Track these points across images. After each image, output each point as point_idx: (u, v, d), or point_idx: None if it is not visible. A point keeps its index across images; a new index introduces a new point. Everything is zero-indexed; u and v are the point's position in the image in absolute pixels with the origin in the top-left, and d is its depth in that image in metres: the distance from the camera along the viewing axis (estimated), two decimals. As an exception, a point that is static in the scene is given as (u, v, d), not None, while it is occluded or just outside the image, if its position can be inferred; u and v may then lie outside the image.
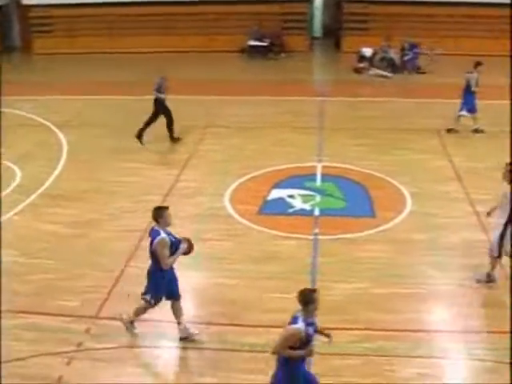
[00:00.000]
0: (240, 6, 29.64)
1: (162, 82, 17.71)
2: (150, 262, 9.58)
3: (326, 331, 7.93)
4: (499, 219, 11.03)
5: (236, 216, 13.67)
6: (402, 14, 29.10)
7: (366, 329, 9.99)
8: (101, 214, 13.88)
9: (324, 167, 16.05)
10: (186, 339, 9.79)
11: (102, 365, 9.31)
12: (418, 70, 26.51)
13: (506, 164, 11.04)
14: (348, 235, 12.84)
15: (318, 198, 14.50)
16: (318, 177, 15.58)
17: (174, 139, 18.03)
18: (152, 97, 17.63)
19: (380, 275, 11.48)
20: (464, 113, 18.68)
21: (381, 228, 13.12)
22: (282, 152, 17.11)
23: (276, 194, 14.68)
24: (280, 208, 14.07)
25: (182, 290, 9.94)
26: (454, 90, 22.26)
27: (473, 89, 18.44)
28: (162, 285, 9.59)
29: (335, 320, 10.08)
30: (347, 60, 27.67)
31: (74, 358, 9.42)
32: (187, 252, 9.60)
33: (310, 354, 7.57)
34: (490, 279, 11.29)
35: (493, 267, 11.27)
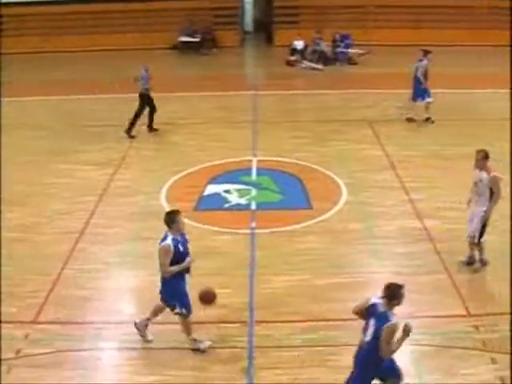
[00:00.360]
0: (171, 2, 29.42)
1: (145, 74, 17.89)
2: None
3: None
4: (477, 207, 11.18)
5: (173, 213, 13.53)
6: (334, 6, 29.34)
7: (307, 320, 10.03)
8: (39, 217, 13.58)
9: (259, 161, 16.05)
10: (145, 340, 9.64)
11: (41, 371, 9.11)
12: (350, 62, 26.76)
13: (477, 152, 11.22)
14: (285, 228, 12.86)
15: (253, 192, 14.49)
16: (254, 171, 15.58)
17: (152, 129, 18.31)
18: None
19: (319, 266, 11.54)
20: (429, 99, 18.87)
21: (318, 219, 13.18)
22: (218, 147, 17.05)
23: (212, 189, 14.62)
24: (216, 203, 14.02)
25: (122, 291, 9.84)
26: (385, 80, 22.73)
27: (418, 75, 18.71)
28: (180, 289, 9.27)
29: (276, 313, 10.13)
30: (279, 53, 27.77)
31: (14, 366, 9.20)
32: (187, 269, 9.24)
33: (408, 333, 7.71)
34: (470, 260, 11.54)
35: (482, 253, 11.48)
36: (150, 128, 18.39)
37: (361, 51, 26.73)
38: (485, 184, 10.99)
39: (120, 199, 14.23)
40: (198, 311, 10.08)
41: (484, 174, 11.01)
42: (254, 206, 13.91)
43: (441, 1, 29.19)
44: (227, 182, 14.89)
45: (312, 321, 10.02)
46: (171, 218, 9.14)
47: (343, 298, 10.55)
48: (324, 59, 26.61)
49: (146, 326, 9.68)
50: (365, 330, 7.88)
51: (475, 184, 11.16)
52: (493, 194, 10.96)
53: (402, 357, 9.42)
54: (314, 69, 26.00)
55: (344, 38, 27.30)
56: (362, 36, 28.07)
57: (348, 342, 9.41)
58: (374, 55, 26.32)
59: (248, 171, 15.52)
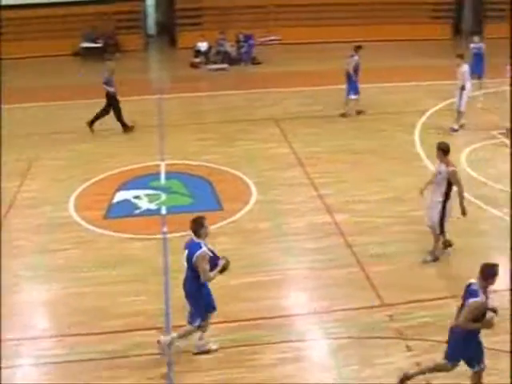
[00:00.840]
0: (71, 7, 28.72)
1: (109, 75, 18.00)
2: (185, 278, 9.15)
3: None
4: (436, 198, 11.40)
5: (82, 223, 13.22)
6: (236, 7, 29.41)
7: (224, 321, 9.94)
8: None
9: (168, 165, 15.89)
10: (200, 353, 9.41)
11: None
12: (254, 61, 26.87)
13: (438, 144, 11.51)
14: (199, 230, 12.75)
15: (163, 197, 14.31)
16: (162, 175, 15.40)
17: (127, 128, 18.28)
18: None
19: (233, 266, 11.30)
20: (352, 96, 19.18)
21: (229, 220, 13.14)
22: (125, 153, 16.78)
23: (121, 196, 14.36)
24: (126, 210, 13.79)
25: (33, 305, 9.54)
26: (289, 78, 22.93)
27: (350, 72, 18.99)
28: (205, 300, 9.12)
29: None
30: (183, 56, 27.63)
31: None
32: (224, 269, 9.11)
33: (490, 325, 7.80)
34: (435, 258, 11.70)
35: (436, 242, 11.72)
36: (126, 128, 18.36)
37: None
38: (443, 176, 11.25)
39: (27, 211, 13.78)
40: (108, 321, 9.97)
41: (443, 167, 11.29)
42: (164, 211, 13.74)
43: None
44: (136, 188, 14.66)
45: (230, 322, 9.97)
46: (201, 224, 8.90)
47: (259, 296, 10.58)
48: (228, 60, 26.65)
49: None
50: (460, 308, 8.08)
51: (435, 175, 11.48)
52: (450, 186, 11.23)
53: (319, 350, 9.59)
54: (219, 69, 25.99)
55: (247, 38, 27.41)
56: (265, 35, 28.30)
57: (269, 341, 9.48)
58: (279, 55, 26.60)
59: (157, 176, 15.32)
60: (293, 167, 15.68)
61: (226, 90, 22.67)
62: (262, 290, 10.76)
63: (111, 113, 18.30)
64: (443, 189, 11.29)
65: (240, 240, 12.43)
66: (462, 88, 17.92)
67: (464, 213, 11.32)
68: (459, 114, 18.20)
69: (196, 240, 8.89)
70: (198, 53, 27.00)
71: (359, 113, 19.41)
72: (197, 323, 9.14)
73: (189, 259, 8.88)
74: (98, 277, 11.26)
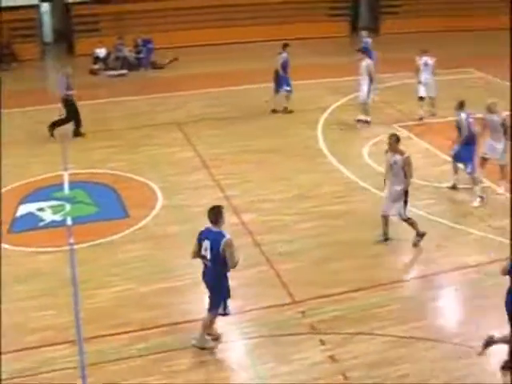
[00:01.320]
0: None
1: (67, 81, 17.94)
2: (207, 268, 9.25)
3: None
4: (394, 186, 11.91)
5: (-15, 239, 12.85)
6: (133, 12, 29.18)
7: (139, 329, 9.86)
8: None
9: (71, 175, 15.58)
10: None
11: None
12: (154, 66, 26.68)
13: (389, 136, 12.03)
14: (104, 239, 12.56)
15: (68, 207, 14.03)
16: (66, 185, 15.10)
17: (81, 134, 18.20)
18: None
19: (144, 273, 11.41)
20: (286, 88, 19.47)
21: (136, 227, 13.01)
22: (27, 165, 16.33)
23: (24, 209, 13.98)
24: (30, 223, 13.43)
25: None
26: (190, 82, 22.89)
27: (279, 69, 19.25)
28: (226, 288, 9.26)
29: (106, 326, 9.88)
30: (82, 63, 27.06)
31: None
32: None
33: None
34: (421, 235, 12.13)
35: (414, 227, 12.09)
36: (79, 133, 18.29)
37: (167, 60, 26.72)
38: (399, 165, 11.75)
39: None
40: (24, 337, 9.72)
41: (398, 156, 11.77)
42: (69, 222, 13.48)
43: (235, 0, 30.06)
44: (39, 200, 14.30)
45: (143, 330, 9.87)
46: (221, 212, 9.05)
47: (172, 302, 10.54)
48: (128, 65, 26.38)
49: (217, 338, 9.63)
50: None
51: (390, 166, 11.91)
52: (406, 174, 11.79)
53: (235, 351, 9.63)
54: (119, 75, 25.68)
55: (146, 42, 27.20)
56: (164, 39, 28.16)
57: (185, 345, 9.43)
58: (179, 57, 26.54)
59: (60, 186, 15.00)
60: (197, 170, 15.69)
61: (127, 96, 22.41)
62: (174, 296, 10.71)
63: None
64: (401, 177, 11.81)
65: (149, 246, 12.33)
66: (370, 80, 18.48)
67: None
68: (365, 105, 18.74)
69: (216, 229, 9.01)
70: (96, 59, 26.62)
71: (285, 111, 19.71)
72: (216, 311, 9.31)
73: (213, 248, 8.95)
74: (8, 293, 10.82)
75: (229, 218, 13.02)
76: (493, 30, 33.11)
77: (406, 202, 11.96)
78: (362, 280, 10.85)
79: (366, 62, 18.64)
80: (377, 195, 13.86)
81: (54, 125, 18.24)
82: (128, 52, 26.66)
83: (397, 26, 32.59)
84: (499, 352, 9.41)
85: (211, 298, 9.34)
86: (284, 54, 19.50)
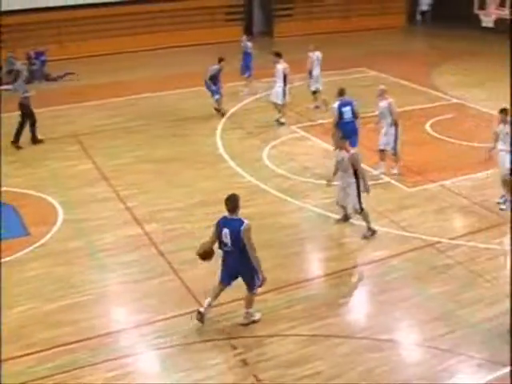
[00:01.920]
0: None
1: (24, 86, 18.03)
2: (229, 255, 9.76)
3: None
4: (345, 179, 12.50)
5: None
6: (25, 24, 28.28)
7: (46, 349, 9.61)
8: None
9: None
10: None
11: None
12: (48, 78, 26.08)
13: (339, 136, 12.74)
14: (5, 259, 12.11)
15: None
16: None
17: (38, 141, 18.13)
18: None
19: (47, 291, 11.13)
20: (216, 96, 19.73)
21: (37, 244, 12.65)
22: None
23: None
24: None
25: None
26: (86, 93, 22.52)
27: (206, 79, 19.56)
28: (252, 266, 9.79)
29: (13, 348, 9.59)
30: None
31: None
32: None
33: None
34: (372, 232, 12.62)
35: (367, 221, 12.58)
36: (36, 140, 18.21)
37: (62, 74, 26.17)
38: (346, 162, 12.31)
39: None
40: None
41: (344, 153, 12.34)
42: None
43: (131, 8, 29.89)
44: None
45: (49, 349, 9.61)
46: (237, 200, 9.74)
47: (77, 318, 10.32)
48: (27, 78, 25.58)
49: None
50: None
51: (339, 162, 12.52)
52: (356, 169, 12.31)
53: (148, 363, 9.54)
54: (13, 90, 24.89)
55: (39, 54, 26.54)
56: (58, 51, 27.63)
57: (94, 361, 9.29)
58: (75, 69, 26.04)
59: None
60: (97, 182, 15.43)
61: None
62: (79, 312, 10.50)
63: None
64: (351, 172, 12.39)
65: (51, 263, 12.03)
66: (285, 84, 18.87)
67: (367, 190, 12.58)
68: (281, 106, 19.06)
69: (233, 217, 9.68)
70: (-12, 73, 25.80)
71: (218, 111, 20.00)
72: (254, 288, 9.97)
73: (233, 235, 9.57)
74: None
75: (131, 229, 13.06)
76: (384, 29, 34.31)
77: (359, 195, 12.45)
78: (270, 282, 10.87)
79: (282, 65, 18.91)
80: (277, 197, 14.07)
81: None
82: (20, 65, 25.88)
83: (290, 29, 33.13)
84: (406, 342, 9.72)
85: (245, 275, 9.93)
86: (216, 66, 19.77)
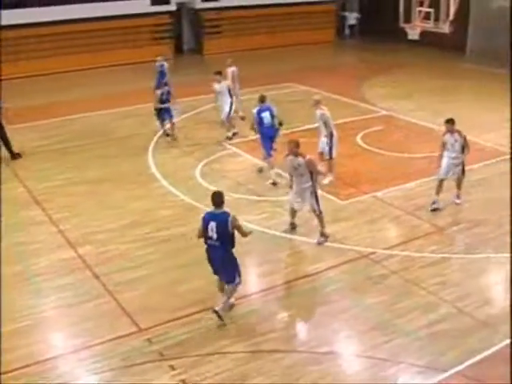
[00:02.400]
0: None
1: None
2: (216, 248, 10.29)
3: None
4: (301, 185, 12.85)
5: None
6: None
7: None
8: None
9: None
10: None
11: None
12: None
13: (289, 142, 12.96)
14: None
15: None
16: None
17: (14, 155, 18.28)
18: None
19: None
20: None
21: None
22: None
23: None
24: None
25: None
26: (26, 114, 22.09)
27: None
28: (236, 260, 10.58)
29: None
30: None
31: None
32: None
33: None
34: (326, 237, 13.09)
35: (322, 225, 13.09)
36: (13, 155, 18.36)
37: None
38: (303, 167, 12.70)
39: None
40: None
41: (300, 159, 12.69)
42: None
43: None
44: None
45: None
46: (222, 195, 10.30)
47: (13, 346, 10.09)
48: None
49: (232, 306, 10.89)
50: None
51: (295, 168, 12.85)
52: (312, 173, 12.81)
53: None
54: None
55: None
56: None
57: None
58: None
59: None
60: (29, 206, 15.16)
61: None
62: (15, 339, 10.27)
63: None
64: (308, 175, 12.82)
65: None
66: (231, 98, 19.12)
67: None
68: (228, 123, 19.34)
69: (218, 211, 10.22)
70: None
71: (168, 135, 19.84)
72: (237, 280, 10.62)
73: (220, 228, 10.12)
74: None
75: (65, 252, 12.90)
76: (314, 44, 34.91)
77: (316, 197, 12.94)
78: (207, 299, 10.95)
79: (225, 83, 19.22)
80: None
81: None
82: None
83: (220, 46, 33.33)
84: (346, 353, 9.87)
85: (226, 273, 10.61)
86: (158, 91, 19.69)
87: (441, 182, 14.57)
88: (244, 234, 10.53)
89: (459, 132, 14.35)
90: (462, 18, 27.61)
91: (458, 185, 14.84)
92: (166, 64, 22.00)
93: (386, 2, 32.81)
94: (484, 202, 15.01)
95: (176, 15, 33.91)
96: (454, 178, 14.71)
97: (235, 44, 33.66)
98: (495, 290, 11.80)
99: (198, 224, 10.44)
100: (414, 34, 26.39)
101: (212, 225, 10.12)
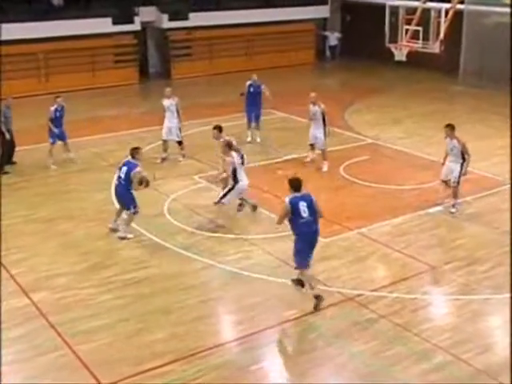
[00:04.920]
0: None
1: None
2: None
3: None
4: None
5: None
6: None
7: None
8: None
9: None
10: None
11: None
12: None
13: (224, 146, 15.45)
14: None
15: None
16: None
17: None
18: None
19: None
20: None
21: None
22: None
23: None
24: None
25: None
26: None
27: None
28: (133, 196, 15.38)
29: None
30: None
31: None
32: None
33: None
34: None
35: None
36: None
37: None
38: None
39: None
40: None
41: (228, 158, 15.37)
42: None
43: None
44: None
45: None
46: (138, 149, 15.72)
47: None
48: None
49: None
50: None
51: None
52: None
53: None
54: None
55: None
56: None
57: None
58: None
59: None
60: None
61: None
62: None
63: None
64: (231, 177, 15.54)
65: None
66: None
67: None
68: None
69: (133, 161, 15.13)
70: None
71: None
72: (132, 210, 15.25)
73: (127, 172, 14.98)
74: None
75: (17, 300, 12.73)
76: (293, 66, 35.22)
77: (224, 195, 15.63)
78: (178, 350, 10.87)
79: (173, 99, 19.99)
80: (182, 255, 14.16)
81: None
82: None
83: (190, 69, 33.58)
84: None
85: (124, 203, 15.41)
86: (52, 107, 19.93)
87: (443, 182, 16.54)
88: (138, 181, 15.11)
89: (457, 138, 15.87)
90: (454, 36, 27.95)
91: (454, 193, 16.13)
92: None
93: (370, 20, 33.18)
94: (480, 237, 15.13)
95: (141, 36, 34.10)
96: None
97: (207, 67, 33.96)
98: (495, 335, 11.80)
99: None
100: (401, 54, 26.64)
101: (124, 169, 15.00)
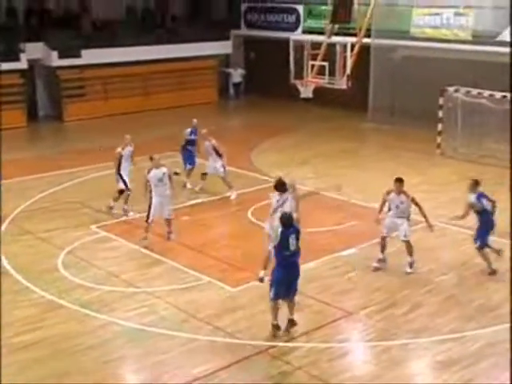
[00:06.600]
0: None
1: None
2: None
3: None
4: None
5: None
6: None
7: None
8: None
9: None
10: None
11: None
12: None
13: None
14: None
15: None
16: None
17: None
18: None
19: None
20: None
21: None
22: None
23: None
24: None
25: None
26: None
27: None
28: None
29: None
30: None
31: None
32: None
33: None
34: None
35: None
36: None
37: None
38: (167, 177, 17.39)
39: None
40: None
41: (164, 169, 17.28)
42: None
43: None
44: None
45: None
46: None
47: None
48: None
49: None
50: None
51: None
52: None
53: None
54: None
55: None
56: None
57: None
58: None
59: None
60: None
61: None
62: None
63: None
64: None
65: None
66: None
67: None
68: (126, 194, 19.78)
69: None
70: None
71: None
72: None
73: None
74: None
75: None
76: (195, 105, 35.38)
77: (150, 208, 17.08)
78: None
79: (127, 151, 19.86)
80: (79, 312, 13.92)
81: None
82: None
83: (83, 111, 33.27)
84: None
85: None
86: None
87: (383, 239, 15.94)
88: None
89: (405, 193, 15.62)
90: (361, 72, 28.62)
91: (408, 251, 15.79)
92: None
93: (275, 56, 33.70)
94: (400, 278, 15.38)
95: (28, 74, 33.59)
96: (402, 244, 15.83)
97: (102, 108, 33.78)
98: (418, 381, 11.96)
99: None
100: (307, 91, 27.09)
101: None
